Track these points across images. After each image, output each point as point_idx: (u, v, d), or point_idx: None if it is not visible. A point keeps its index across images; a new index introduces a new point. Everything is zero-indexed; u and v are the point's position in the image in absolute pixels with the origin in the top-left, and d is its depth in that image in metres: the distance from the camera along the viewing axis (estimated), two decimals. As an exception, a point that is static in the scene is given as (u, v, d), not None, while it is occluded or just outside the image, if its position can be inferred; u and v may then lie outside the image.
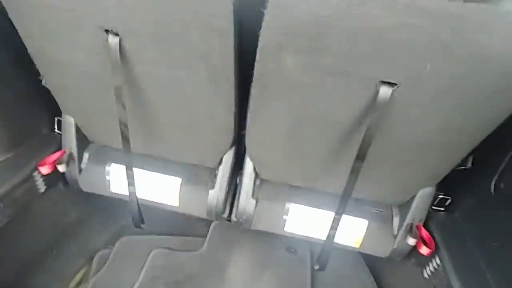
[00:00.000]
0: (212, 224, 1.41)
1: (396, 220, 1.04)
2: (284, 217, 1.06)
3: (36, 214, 1.13)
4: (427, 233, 0.99)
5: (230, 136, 0.96)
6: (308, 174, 1.00)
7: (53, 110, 1.05)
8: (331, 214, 0.90)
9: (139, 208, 1.06)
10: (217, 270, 1.26)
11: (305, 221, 1.06)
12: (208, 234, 1.37)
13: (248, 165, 1.04)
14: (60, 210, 1.27)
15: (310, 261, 1.32)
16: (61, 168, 1.05)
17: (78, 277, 1.25)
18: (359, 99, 0.71)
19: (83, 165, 1.13)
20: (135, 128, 0.94)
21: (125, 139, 0.90)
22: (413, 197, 0.98)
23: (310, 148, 0.89)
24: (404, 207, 1.02)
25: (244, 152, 1.03)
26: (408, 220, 1.00)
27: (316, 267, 1.00)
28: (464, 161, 0.94)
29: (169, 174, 1.09)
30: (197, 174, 1.10)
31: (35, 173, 1.04)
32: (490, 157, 0.91)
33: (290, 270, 1.28)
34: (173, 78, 0.80)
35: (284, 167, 1.00)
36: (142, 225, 1.10)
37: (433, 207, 1.03)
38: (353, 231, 1.04)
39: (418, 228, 0.98)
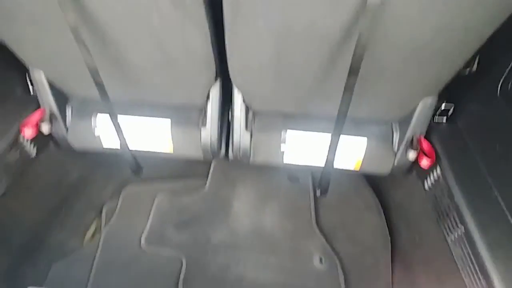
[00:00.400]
0: (212, 163, 1.41)
1: (396, 136, 1.01)
2: (282, 146, 1.03)
3: (35, 178, 1.12)
4: (428, 145, 0.96)
5: (212, 68, 0.88)
6: (300, 99, 0.94)
7: (21, 67, 0.96)
8: (329, 137, 0.86)
9: (132, 155, 1.04)
10: (222, 206, 1.29)
11: (303, 147, 1.03)
12: (210, 174, 1.38)
13: (238, 97, 0.98)
14: (59, 171, 1.26)
15: (312, 187, 1.34)
16: (45, 128, 1.01)
17: (92, 229, 1.29)
18: (347, 3, 0.62)
19: (68, 123, 1.08)
20: (108, 73, 0.87)
21: (100, 86, 0.84)
22: (413, 110, 0.93)
23: (298, 69, 0.82)
24: (404, 121, 0.98)
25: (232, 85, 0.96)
26: (408, 134, 0.96)
27: (318, 192, 1.00)
28: (467, 65, 0.87)
29: (157, 117, 1.04)
30: (186, 114, 1.05)
31: (20, 138, 1.00)
32: (495, 57, 0.84)
33: (293, 198, 1.31)
34: (133, 8, 0.70)
35: (274, 94, 0.94)
36: (141, 173, 1.09)
37: (435, 120, 0.99)
38: (352, 152, 1.01)
39: (419, 141, 0.95)
